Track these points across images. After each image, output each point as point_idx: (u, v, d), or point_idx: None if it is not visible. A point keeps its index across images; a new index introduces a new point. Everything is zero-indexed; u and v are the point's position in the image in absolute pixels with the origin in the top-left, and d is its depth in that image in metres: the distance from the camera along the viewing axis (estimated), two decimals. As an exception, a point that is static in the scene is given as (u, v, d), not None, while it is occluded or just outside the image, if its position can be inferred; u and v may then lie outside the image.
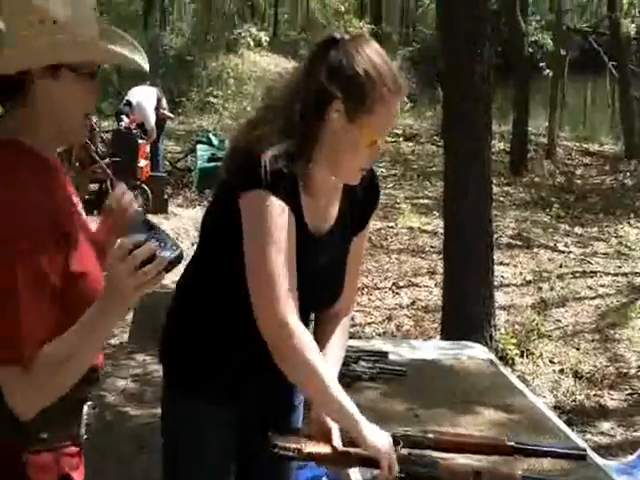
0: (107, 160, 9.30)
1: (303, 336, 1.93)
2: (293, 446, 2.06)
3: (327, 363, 2.04)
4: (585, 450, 2.27)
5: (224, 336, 2.07)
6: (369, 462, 2.05)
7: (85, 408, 1.78)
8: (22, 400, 1.64)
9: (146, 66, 1.79)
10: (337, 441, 2.04)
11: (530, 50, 14.56)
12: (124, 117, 9.95)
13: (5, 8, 1.70)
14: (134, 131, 9.77)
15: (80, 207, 1.83)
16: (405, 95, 2.04)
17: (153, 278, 1.54)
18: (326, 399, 1.97)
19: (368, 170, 2.11)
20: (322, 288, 2.10)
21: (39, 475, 1.70)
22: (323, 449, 2.10)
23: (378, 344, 3.42)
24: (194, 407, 2.12)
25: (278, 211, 1.92)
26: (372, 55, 1.97)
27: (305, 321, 2.16)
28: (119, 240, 1.57)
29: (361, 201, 2.17)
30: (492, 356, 3.37)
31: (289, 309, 1.91)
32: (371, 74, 1.94)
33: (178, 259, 1.57)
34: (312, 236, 2.06)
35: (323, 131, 1.97)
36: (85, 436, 1.78)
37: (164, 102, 10.90)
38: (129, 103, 10.16)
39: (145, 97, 10.31)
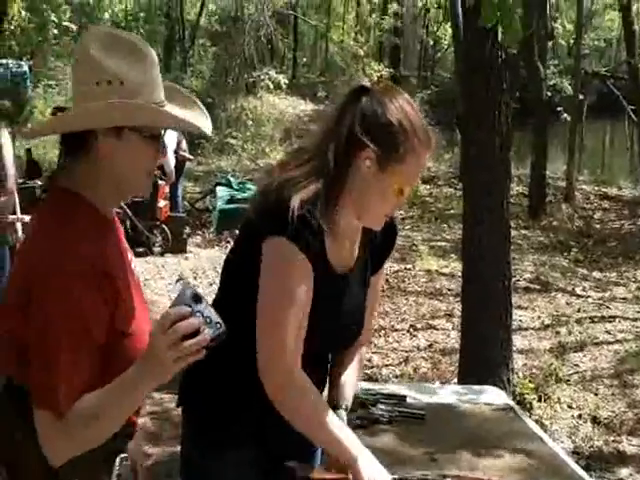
0: (127, 200, 9.38)
1: (305, 385, 2.00)
2: (313, 475, 2.09)
3: (325, 405, 2.08)
4: (604, 497, 2.27)
5: (244, 380, 2.07)
6: None
7: (117, 460, 1.80)
8: (53, 446, 1.66)
9: (209, 130, 1.81)
10: None
11: (548, 94, 14.61)
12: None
13: (74, 67, 1.75)
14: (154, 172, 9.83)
15: (134, 265, 1.85)
16: (434, 148, 2.09)
17: (193, 353, 1.55)
18: (325, 438, 2.02)
19: (392, 223, 2.19)
20: (344, 327, 2.14)
21: None
22: (339, 476, 2.13)
23: (396, 388, 3.41)
24: (222, 463, 2.13)
25: (299, 262, 1.96)
26: (405, 106, 2.03)
27: (324, 362, 2.17)
28: (165, 310, 1.58)
29: (379, 242, 2.22)
30: (510, 401, 3.36)
31: (295, 362, 1.98)
32: (404, 124, 1.99)
33: (220, 337, 1.59)
34: (338, 277, 2.10)
35: (352, 177, 2.01)
36: None
37: (184, 144, 11.00)
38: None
39: (165, 141, 10.40)
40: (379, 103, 2.00)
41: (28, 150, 4.44)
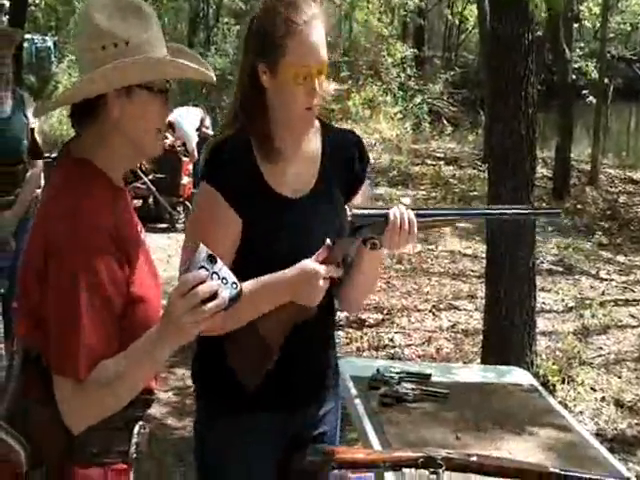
0: (151, 177, 9.40)
1: None
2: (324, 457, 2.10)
3: None
4: (629, 479, 2.25)
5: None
6: (403, 463, 2.08)
7: (136, 428, 1.80)
8: (72, 413, 1.67)
9: (213, 77, 1.82)
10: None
11: (574, 77, 14.48)
12: (168, 135, 10.06)
13: (78, 36, 1.78)
14: (178, 148, 9.86)
15: (143, 233, 1.86)
16: (320, 17, 2.06)
17: (211, 316, 1.55)
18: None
19: (352, 134, 2.26)
20: (312, 247, 2.06)
21: None
22: (355, 454, 2.13)
23: (420, 366, 3.41)
24: (235, 421, 2.12)
25: (209, 200, 2.05)
26: (266, 3, 2.05)
27: None
28: (182, 275, 1.58)
29: (345, 158, 2.20)
30: (535, 381, 3.35)
31: None
32: (264, 20, 2.02)
33: (237, 297, 1.58)
34: (290, 201, 2.09)
35: (266, 97, 2.06)
36: (135, 455, 1.80)
37: (207, 121, 10.98)
38: (170, 125, 10.25)
39: (187, 118, 10.39)
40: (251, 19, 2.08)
41: (31, 129, 4.42)
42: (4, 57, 4.26)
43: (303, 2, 2.03)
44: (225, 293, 1.55)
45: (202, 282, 1.53)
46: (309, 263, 1.97)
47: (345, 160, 2.20)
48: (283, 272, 1.98)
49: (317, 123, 2.20)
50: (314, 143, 2.18)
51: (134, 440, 1.79)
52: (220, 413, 2.16)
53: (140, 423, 1.81)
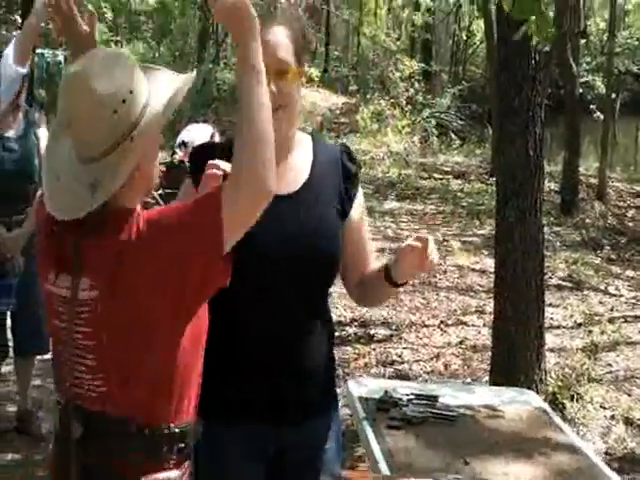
0: (160, 191, 9.41)
1: None
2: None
3: None
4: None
5: (221, 355, 2.07)
6: None
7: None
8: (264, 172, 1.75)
9: (190, 76, 1.86)
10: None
11: (581, 91, 14.49)
12: (177, 150, 10.08)
13: (79, 112, 1.75)
14: (187, 164, 9.88)
15: None
16: (282, 22, 2.12)
17: None
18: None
19: (341, 145, 2.35)
20: (294, 252, 2.10)
21: None
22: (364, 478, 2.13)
23: (428, 388, 3.40)
24: (211, 432, 2.05)
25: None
26: None
27: (283, 300, 2.14)
28: None
29: (338, 170, 2.23)
30: (544, 404, 3.33)
31: None
32: None
33: None
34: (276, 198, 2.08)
35: None
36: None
37: (217, 138, 11.00)
38: (184, 143, 10.27)
39: (197, 134, 10.41)
40: None
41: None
42: None
43: (274, 10, 2.13)
44: None
45: None
46: None
47: (335, 168, 2.23)
48: None
49: (308, 137, 2.26)
50: (304, 152, 2.22)
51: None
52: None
53: None
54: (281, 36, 2.09)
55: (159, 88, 1.79)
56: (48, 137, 1.94)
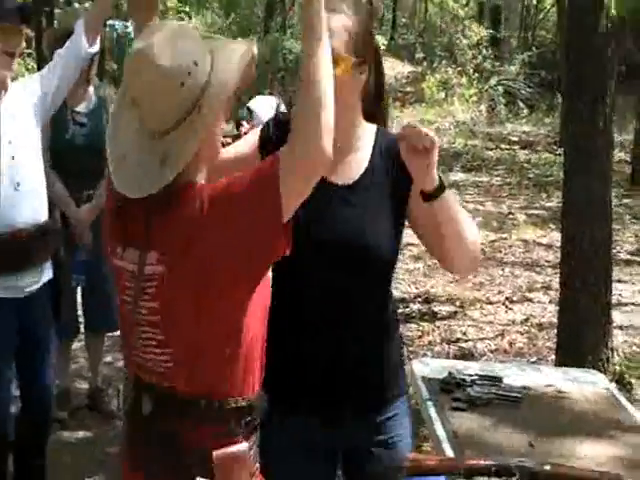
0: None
1: None
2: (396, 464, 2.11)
3: None
4: None
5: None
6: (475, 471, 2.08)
7: None
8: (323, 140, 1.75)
9: (255, 49, 1.89)
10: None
11: (655, 58, 14.12)
12: (244, 123, 10.13)
13: (147, 87, 1.78)
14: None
15: None
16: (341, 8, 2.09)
17: None
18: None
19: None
20: (344, 244, 2.11)
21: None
22: (428, 462, 2.14)
23: (493, 368, 3.38)
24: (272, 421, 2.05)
25: None
26: None
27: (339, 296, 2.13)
28: None
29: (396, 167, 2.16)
30: (611, 386, 3.29)
31: None
32: None
33: None
34: (332, 186, 2.12)
35: None
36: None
37: (282, 107, 11.00)
38: (250, 110, 10.33)
39: (263, 106, 10.45)
40: None
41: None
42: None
43: None
44: None
45: None
46: None
47: (393, 163, 2.18)
48: None
49: (373, 127, 2.24)
50: (366, 143, 2.21)
51: None
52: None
53: None
54: (338, 25, 2.05)
55: (223, 58, 1.80)
56: (111, 115, 1.95)
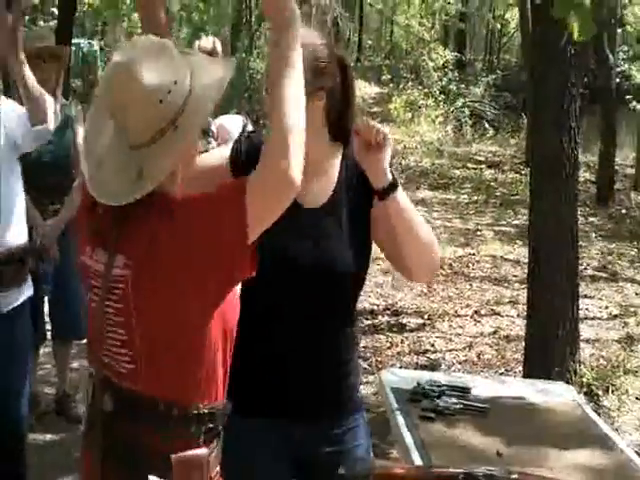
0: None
1: None
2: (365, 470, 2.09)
3: None
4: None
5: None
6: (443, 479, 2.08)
7: None
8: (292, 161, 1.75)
9: (230, 73, 1.88)
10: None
11: (617, 81, 14.31)
12: (212, 140, 10.11)
13: (126, 100, 1.76)
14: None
15: None
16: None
17: None
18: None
19: None
20: (310, 270, 2.12)
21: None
22: (396, 470, 2.12)
23: (461, 379, 3.38)
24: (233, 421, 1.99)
25: None
26: None
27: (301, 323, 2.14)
28: None
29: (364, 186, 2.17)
30: (578, 397, 3.30)
31: None
32: None
33: None
34: (301, 209, 2.11)
35: None
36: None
37: (249, 127, 11.01)
38: (218, 129, 10.31)
39: (230, 125, 10.45)
40: None
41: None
42: (50, 77, 4.23)
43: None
44: None
45: None
46: None
47: (360, 183, 2.18)
48: None
49: (340, 146, 2.24)
50: (333, 162, 2.22)
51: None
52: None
53: None
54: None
55: (203, 78, 1.81)
56: (86, 123, 1.93)
